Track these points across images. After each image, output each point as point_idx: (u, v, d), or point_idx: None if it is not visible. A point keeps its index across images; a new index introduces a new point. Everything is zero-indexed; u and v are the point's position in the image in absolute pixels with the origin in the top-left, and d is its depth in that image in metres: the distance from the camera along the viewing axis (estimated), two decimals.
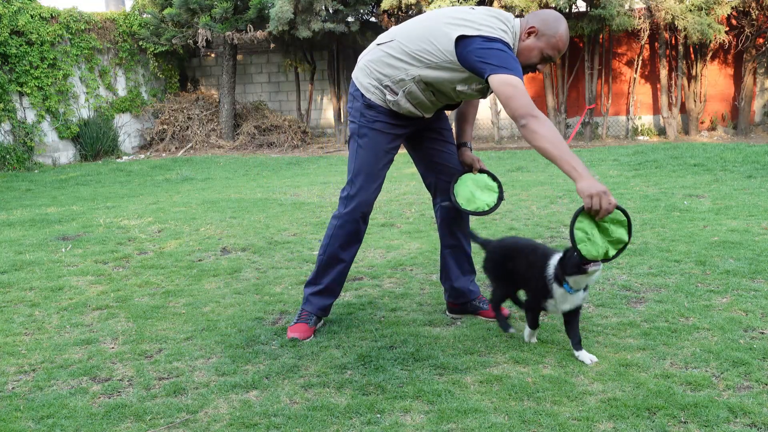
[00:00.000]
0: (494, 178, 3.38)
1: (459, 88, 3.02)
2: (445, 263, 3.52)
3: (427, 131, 3.36)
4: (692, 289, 3.69)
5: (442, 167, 3.39)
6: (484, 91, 3.08)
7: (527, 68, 3.03)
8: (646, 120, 12.96)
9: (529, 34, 2.97)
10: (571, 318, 2.91)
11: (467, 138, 3.42)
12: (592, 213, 2.68)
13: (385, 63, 3.07)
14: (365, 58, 3.19)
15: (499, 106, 13.21)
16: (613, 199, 2.66)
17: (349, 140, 3.29)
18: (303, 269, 4.41)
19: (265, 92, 14.95)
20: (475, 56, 2.86)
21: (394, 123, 3.18)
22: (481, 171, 3.37)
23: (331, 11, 12.54)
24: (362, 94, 3.16)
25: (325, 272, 3.31)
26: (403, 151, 3.56)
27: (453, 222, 3.45)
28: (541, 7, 11.38)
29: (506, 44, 2.90)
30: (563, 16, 3.06)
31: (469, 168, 3.37)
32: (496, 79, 2.80)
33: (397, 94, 3.07)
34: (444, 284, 3.54)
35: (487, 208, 3.30)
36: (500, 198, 3.33)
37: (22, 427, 2.47)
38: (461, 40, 2.89)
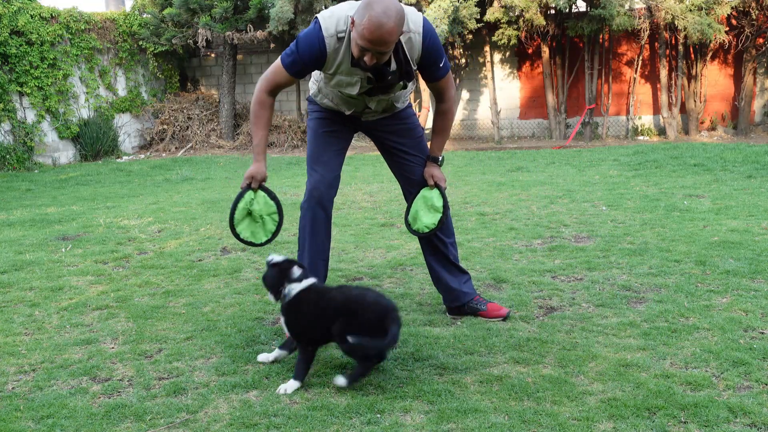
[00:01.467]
0: (443, 197, 3.30)
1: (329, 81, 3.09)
2: (431, 269, 3.52)
3: (393, 140, 3.36)
4: (692, 289, 3.69)
5: (404, 178, 3.41)
6: (356, 85, 3.06)
7: (359, 61, 2.89)
8: (646, 120, 12.96)
9: (353, 25, 2.83)
10: None
11: (433, 151, 3.35)
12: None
13: None
14: None
15: (499, 106, 13.21)
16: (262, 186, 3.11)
17: None
18: None
19: None
20: None
21: (328, 111, 3.27)
22: (438, 186, 3.31)
23: None
24: (309, 93, 3.35)
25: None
26: None
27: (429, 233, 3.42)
28: (541, 8, 11.37)
29: (320, 26, 2.89)
30: (385, 2, 2.72)
31: (425, 183, 3.35)
32: None
33: (315, 88, 3.23)
34: (438, 288, 3.54)
35: (426, 231, 3.28)
36: (440, 222, 3.26)
37: (22, 427, 2.47)
38: None
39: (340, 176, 3.34)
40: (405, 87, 3.17)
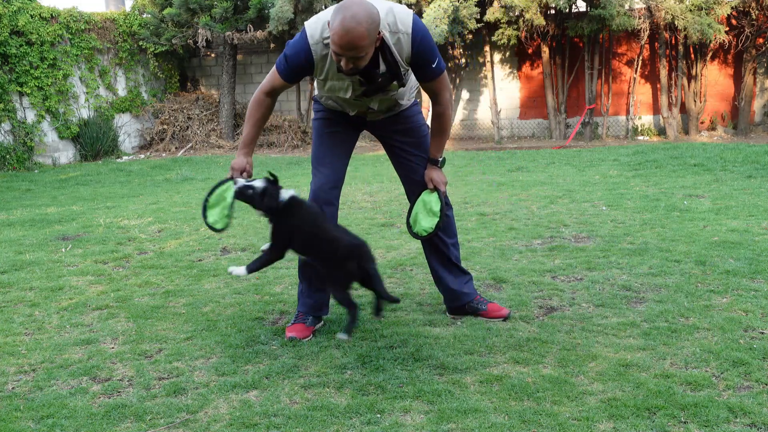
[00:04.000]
0: (441, 201, 3.25)
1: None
2: (432, 269, 3.51)
3: (398, 138, 3.34)
4: (692, 289, 3.69)
5: (407, 178, 3.39)
6: (348, 89, 3.07)
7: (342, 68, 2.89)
8: (646, 120, 12.96)
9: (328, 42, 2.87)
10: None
11: (432, 153, 3.28)
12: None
13: None
14: None
15: (500, 106, 13.21)
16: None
17: None
18: None
19: None
20: None
21: (333, 111, 3.26)
22: (437, 190, 3.27)
23: None
24: (315, 93, 3.34)
25: (304, 267, 3.33)
26: None
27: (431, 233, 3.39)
28: (541, 8, 11.37)
29: (306, 34, 2.90)
30: (354, 9, 2.68)
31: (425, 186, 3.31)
32: None
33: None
34: (438, 288, 3.54)
35: (424, 234, 3.25)
36: (437, 226, 3.22)
37: (22, 427, 2.47)
38: None
39: (345, 176, 3.34)
40: (402, 86, 3.12)
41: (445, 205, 3.29)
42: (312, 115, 3.39)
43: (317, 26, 2.90)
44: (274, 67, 3.06)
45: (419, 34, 2.90)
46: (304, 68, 2.98)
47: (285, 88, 3.13)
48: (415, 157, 3.33)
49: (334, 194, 3.27)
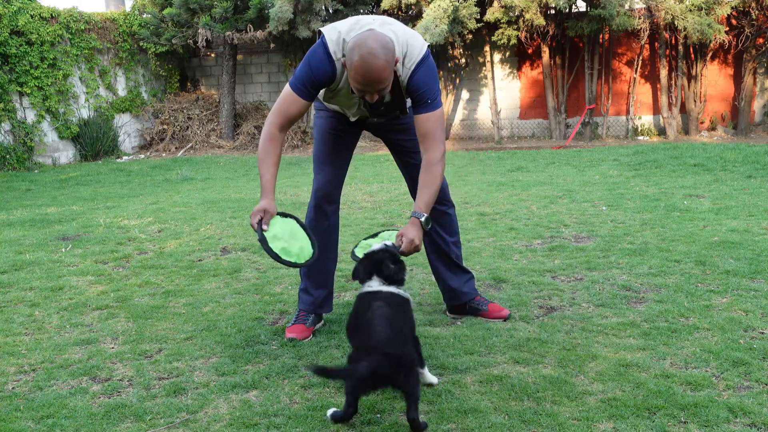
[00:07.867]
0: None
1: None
2: (433, 267, 3.52)
3: (399, 138, 3.32)
4: (692, 289, 3.69)
5: (410, 177, 3.36)
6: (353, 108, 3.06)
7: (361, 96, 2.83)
8: (646, 120, 12.96)
9: (343, 63, 2.82)
10: None
11: (417, 206, 2.86)
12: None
13: None
14: None
15: (499, 106, 13.21)
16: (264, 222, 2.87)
17: None
18: None
19: (265, 92, 14.95)
20: None
21: (335, 112, 3.23)
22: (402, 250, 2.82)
23: (331, 11, 12.54)
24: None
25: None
26: None
27: (431, 230, 3.36)
28: (541, 8, 11.36)
29: (326, 51, 2.83)
30: (369, 43, 2.64)
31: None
32: None
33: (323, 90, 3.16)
34: (439, 285, 3.54)
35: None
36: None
37: (22, 427, 2.47)
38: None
39: (346, 175, 3.35)
40: (405, 114, 3.11)
41: (448, 206, 3.31)
42: (313, 113, 3.38)
43: (339, 43, 2.84)
44: (285, 92, 2.92)
45: (421, 65, 2.85)
46: (325, 82, 2.90)
47: (299, 117, 2.96)
48: (418, 155, 3.30)
49: (336, 193, 3.30)
